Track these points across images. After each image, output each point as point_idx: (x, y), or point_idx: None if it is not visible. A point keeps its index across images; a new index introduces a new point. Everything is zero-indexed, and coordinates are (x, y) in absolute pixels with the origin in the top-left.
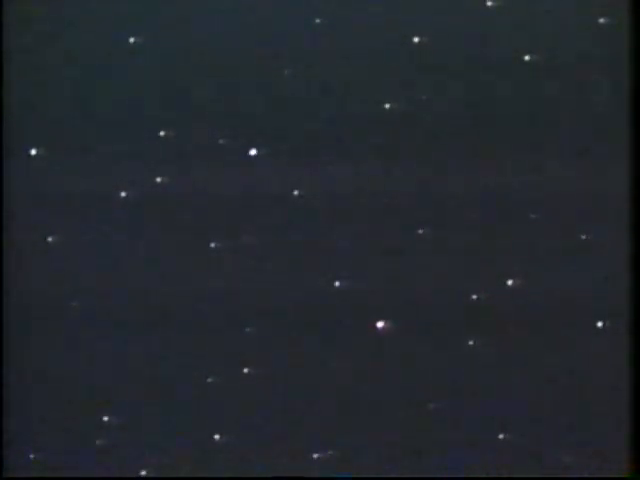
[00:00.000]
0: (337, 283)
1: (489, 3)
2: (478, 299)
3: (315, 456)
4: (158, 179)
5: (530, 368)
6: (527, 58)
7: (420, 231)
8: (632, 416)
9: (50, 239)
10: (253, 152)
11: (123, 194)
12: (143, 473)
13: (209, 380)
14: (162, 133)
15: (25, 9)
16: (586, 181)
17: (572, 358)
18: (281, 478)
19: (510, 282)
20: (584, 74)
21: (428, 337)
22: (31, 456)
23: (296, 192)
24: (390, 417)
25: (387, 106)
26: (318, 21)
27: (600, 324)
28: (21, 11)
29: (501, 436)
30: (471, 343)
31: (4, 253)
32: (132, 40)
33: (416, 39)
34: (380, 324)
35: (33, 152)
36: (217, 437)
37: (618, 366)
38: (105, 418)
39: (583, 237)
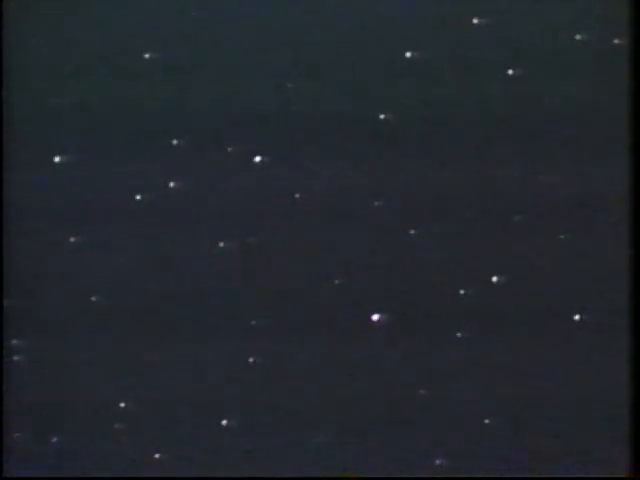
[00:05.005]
0: (336, 281)
1: (475, 20)
2: (466, 294)
3: (316, 439)
4: (171, 184)
5: (517, 360)
6: (510, 72)
7: (412, 231)
8: (632, 416)
9: (72, 239)
10: (257, 159)
11: (138, 197)
12: (157, 456)
13: (217, 369)
14: (174, 142)
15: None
16: (584, 183)
17: (560, 352)
18: (280, 478)
19: (495, 278)
20: (570, 87)
21: (419, 329)
22: (53, 440)
23: (297, 195)
24: (384, 404)
25: (382, 116)
26: (319, 36)
27: (591, 320)
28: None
29: (486, 421)
30: (459, 335)
31: (31, 253)
32: (147, 56)
33: (408, 54)
34: (375, 317)
35: (57, 159)
36: (224, 422)
37: (616, 363)
38: (122, 404)
39: (581, 237)
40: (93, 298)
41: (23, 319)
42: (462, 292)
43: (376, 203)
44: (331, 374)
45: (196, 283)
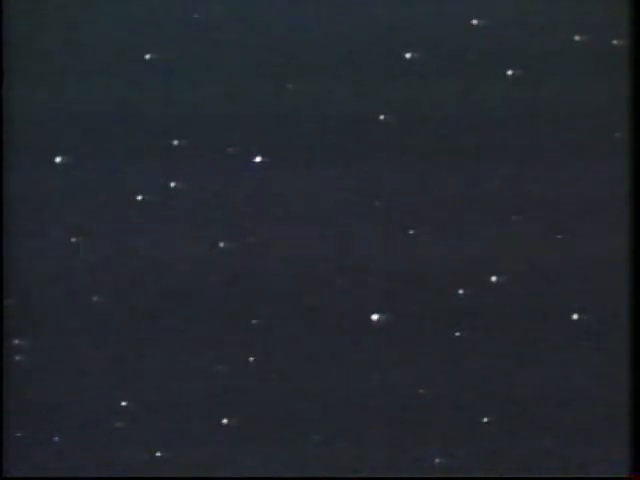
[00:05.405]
0: (335, 280)
1: (474, 22)
2: (465, 294)
3: (316, 438)
4: (172, 184)
5: (516, 359)
6: (509, 73)
7: (412, 231)
8: (632, 416)
9: (74, 239)
10: (258, 159)
11: (139, 197)
12: (158, 454)
13: (218, 368)
14: (175, 142)
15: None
16: (584, 183)
17: (559, 351)
18: (280, 478)
19: (494, 278)
20: (569, 87)
21: (419, 328)
22: (55, 439)
23: (297, 195)
24: (383, 401)
25: (381, 117)
26: (319, 36)
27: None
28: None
29: (485, 419)
30: (458, 334)
31: (34, 251)
32: (148, 57)
33: (408, 55)
34: (375, 317)
35: (58, 160)
36: (225, 421)
37: (615, 362)
38: (123, 403)
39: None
40: (94, 298)
41: (24, 319)
42: (461, 292)
43: (376, 203)
44: (331, 374)
45: (196, 283)
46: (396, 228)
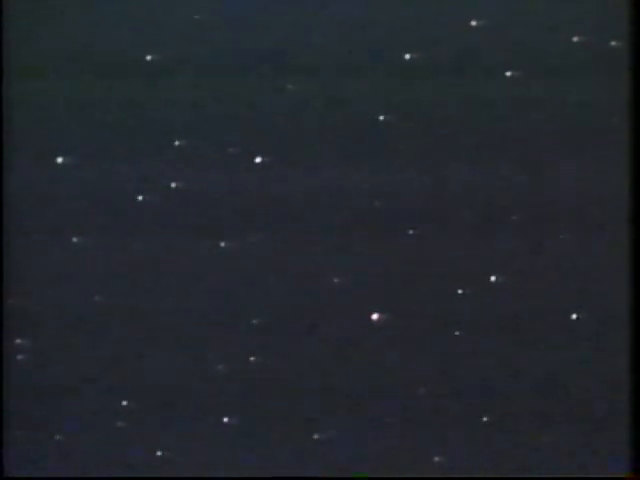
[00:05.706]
0: (335, 280)
1: (473, 22)
2: (464, 294)
3: (315, 437)
4: (173, 184)
5: (515, 359)
6: (509, 74)
7: (412, 231)
8: (632, 416)
9: (75, 239)
10: (258, 159)
11: (140, 198)
12: (159, 454)
13: (219, 367)
14: (176, 143)
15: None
16: (584, 183)
17: (558, 351)
18: (281, 478)
19: (493, 278)
20: (569, 88)
21: (418, 328)
22: (57, 437)
23: (297, 195)
24: (383, 400)
25: (381, 118)
26: (319, 36)
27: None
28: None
29: (485, 419)
30: (457, 334)
31: (34, 251)
32: (149, 58)
33: (407, 56)
34: (375, 316)
35: (60, 160)
36: (226, 419)
37: (615, 362)
38: (123, 403)
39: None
40: (94, 298)
41: (24, 319)
42: (461, 292)
43: (376, 203)
44: (331, 373)
45: (196, 283)
46: (396, 228)
